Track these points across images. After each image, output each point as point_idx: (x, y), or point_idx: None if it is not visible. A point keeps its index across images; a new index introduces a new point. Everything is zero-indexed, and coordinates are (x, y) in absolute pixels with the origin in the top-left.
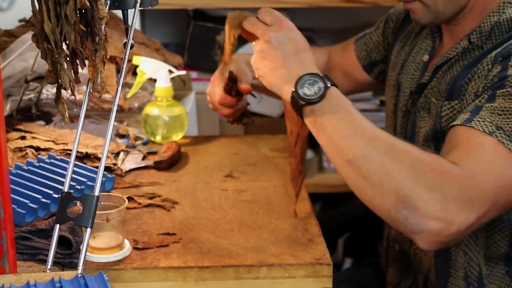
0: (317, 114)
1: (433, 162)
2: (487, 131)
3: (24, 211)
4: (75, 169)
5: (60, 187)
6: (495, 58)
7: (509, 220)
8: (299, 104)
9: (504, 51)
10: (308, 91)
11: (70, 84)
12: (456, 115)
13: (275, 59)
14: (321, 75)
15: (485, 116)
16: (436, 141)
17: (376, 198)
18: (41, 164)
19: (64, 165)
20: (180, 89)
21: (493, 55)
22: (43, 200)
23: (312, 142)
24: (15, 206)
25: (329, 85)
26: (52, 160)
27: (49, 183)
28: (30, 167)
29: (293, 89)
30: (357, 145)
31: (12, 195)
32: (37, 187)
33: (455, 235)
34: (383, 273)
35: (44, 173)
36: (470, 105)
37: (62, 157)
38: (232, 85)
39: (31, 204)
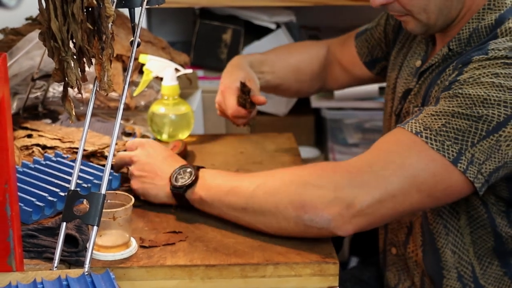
0: (199, 192)
1: (316, 165)
2: (414, 131)
3: (31, 209)
4: (81, 167)
5: (66, 185)
6: (456, 64)
7: (489, 214)
8: (181, 193)
9: (465, 58)
10: (182, 180)
11: (76, 82)
12: None
13: (149, 170)
14: (187, 164)
15: (421, 118)
16: None
17: (281, 221)
18: (47, 162)
19: (71, 163)
20: (186, 88)
21: (455, 63)
22: (50, 198)
23: (317, 141)
24: (22, 204)
25: (195, 168)
26: (59, 159)
27: (56, 181)
28: (36, 165)
29: (170, 188)
30: (241, 192)
31: (19, 193)
32: (43, 185)
33: (360, 215)
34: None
35: (51, 171)
36: (422, 109)
37: (69, 156)
38: (246, 98)
39: (37, 202)
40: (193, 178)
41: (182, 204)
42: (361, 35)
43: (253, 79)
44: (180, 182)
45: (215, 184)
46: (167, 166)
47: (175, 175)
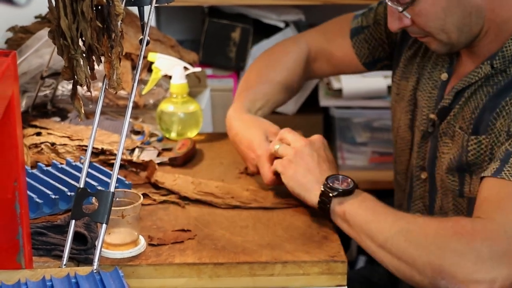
0: (346, 205)
1: (454, 225)
2: None
3: (42, 201)
4: (90, 170)
5: (76, 184)
6: None
7: None
8: (329, 196)
9: None
10: (337, 186)
11: (86, 81)
12: (484, 150)
13: (309, 161)
14: (346, 176)
15: None
16: (460, 172)
17: (415, 275)
18: (56, 168)
19: (80, 166)
20: (195, 86)
21: None
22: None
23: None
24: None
25: (355, 183)
26: (66, 167)
27: (69, 180)
28: (47, 169)
29: (323, 184)
30: (383, 228)
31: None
32: (55, 183)
33: None
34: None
35: (60, 175)
36: (500, 149)
37: (77, 164)
38: None
39: (37, 199)
40: (350, 189)
41: (321, 210)
42: (358, 34)
43: (272, 129)
44: (336, 186)
45: (362, 208)
46: (327, 168)
47: (333, 178)
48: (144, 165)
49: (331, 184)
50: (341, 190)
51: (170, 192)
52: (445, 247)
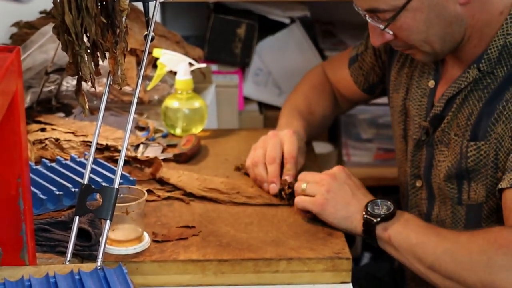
0: (390, 231)
1: (497, 238)
2: None
3: (45, 197)
4: (95, 166)
5: (80, 180)
6: None
7: None
8: (372, 223)
9: None
10: (378, 211)
11: (90, 76)
12: (484, 156)
13: (344, 194)
14: (384, 200)
15: None
16: (459, 179)
17: None
18: (60, 164)
19: (85, 162)
20: (200, 82)
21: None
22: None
23: (331, 136)
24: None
25: (394, 205)
26: (70, 163)
27: (73, 176)
28: (51, 165)
29: (365, 211)
30: (428, 251)
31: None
32: (59, 180)
33: None
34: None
35: (64, 171)
36: (510, 157)
37: (86, 153)
38: (288, 194)
39: (41, 196)
40: (391, 212)
41: (368, 237)
42: (354, 62)
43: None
44: (376, 212)
45: (406, 231)
46: (362, 195)
47: (372, 204)
48: (150, 162)
49: (371, 211)
50: (383, 216)
51: (175, 188)
52: (492, 264)
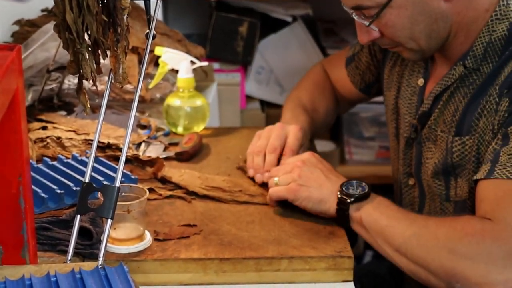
0: (361, 211)
1: (464, 226)
2: (511, 177)
3: (46, 196)
4: (95, 165)
5: (81, 178)
6: (500, 90)
7: None
8: (346, 202)
9: (508, 81)
10: (353, 191)
11: (91, 75)
12: (469, 151)
13: (317, 177)
14: (360, 181)
15: (505, 161)
16: (446, 175)
17: (431, 279)
18: (62, 163)
19: (86, 160)
20: (202, 80)
21: (498, 87)
22: (59, 191)
23: (333, 134)
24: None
25: (369, 186)
26: (71, 161)
27: (74, 175)
28: (53, 163)
29: (340, 191)
30: (397, 233)
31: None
32: (60, 178)
33: None
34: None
35: (65, 169)
36: (488, 149)
37: (83, 158)
38: None
39: (43, 194)
40: (365, 193)
41: (340, 217)
42: (351, 62)
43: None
44: (351, 192)
45: (377, 213)
46: (335, 177)
47: (347, 185)
48: (152, 162)
49: (346, 191)
50: (357, 196)
51: (176, 187)
52: (456, 251)
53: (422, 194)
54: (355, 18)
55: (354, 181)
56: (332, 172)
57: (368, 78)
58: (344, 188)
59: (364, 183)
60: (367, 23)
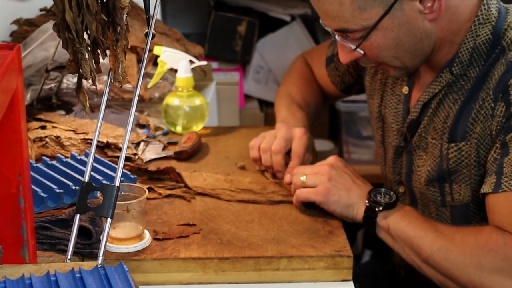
0: (389, 220)
1: (488, 241)
2: None
3: (46, 195)
4: (95, 164)
5: (80, 178)
6: (494, 95)
7: None
8: (374, 211)
9: (502, 85)
10: (381, 199)
11: (91, 74)
12: (465, 156)
13: (345, 181)
14: (387, 189)
15: (509, 172)
16: (440, 181)
17: None
18: (61, 162)
19: (85, 160)
20: (200, 80)
21: (491, 92)
22: (58, 191)
23: (332, 133)
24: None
25: (396, 195)
26: (70, 160)
27: (74, 174)
28: (52, 163)
29: (368, 198)
30: (425, 245)
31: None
32: (59, 177)
33: None
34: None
35: (65, 169)
36: (489, 159)
37: (82, 157)
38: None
39: (42, 194)
40: (393, 202)
41: (367, 224)
42: (330, 63)
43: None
44: (379, 200)
45: (404, 222)
46: (362, 182)
47: (375, 192)
48: (165, 171)
49: (374, 198)
50: (385, 204)
51: (176, 186)
52: (482, 267)
53: (414, 202)
54: (338, 39)
55: (382, 189)
56: (359, 178)
57: (348, 79)
58: (372, 195)
59: (391, 192)
60: (352, 46)
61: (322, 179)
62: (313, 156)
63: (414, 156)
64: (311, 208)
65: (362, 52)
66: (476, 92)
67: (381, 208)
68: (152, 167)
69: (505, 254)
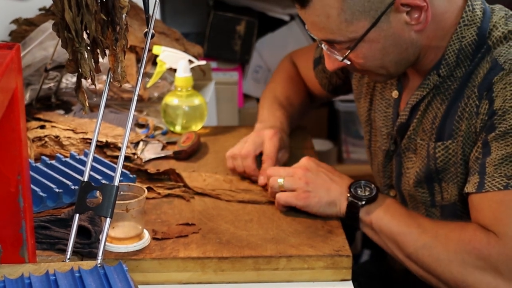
0: (372, 216)
1: (471, 239)
2: (502, 187)
3: (45, 194)
4: (94, 164)
5: (80, 177)
6: (479, 92)
7: None
8: (357, 206)
9: (486, 83)
10: (362, 193)
11: (90, 74)
12: (452, 155)
13: (323, 181)
14: (366, 181)
15: (492, 172)
16: (429, 182)
17: (441, 286)
18: (60, 162)
19: (84, 159)
20: (199, 79)
21: (476, 89)
22: (57, 190)
23: (330, 133)
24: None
25: (376, 188)
26: (70, 160)
27: (73, 174)
28: (51, 162)
29: (349, 193)
30: (409, 242)
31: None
32: (58, 177)
33: None
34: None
35: (64, 168)
36: (472, 158)
37: (81, 157)
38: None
39: (41, 193)
40: (374, 195)
41: (350, 219)
42: (318, 65)
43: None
44: (360, 194)
45: (387, 217)
46: (339, 178)
47: (355, 186)
48: (165, 173)
49: (354, 193)
50: (366, 199)
51: (176, 185)
52: (466, 264)
53: (404, 204)
54: (324, 48)
55: (362, 182)
56: (335, 173)
57: (335, 81)
58: (352, 190)
59: (372, 184)
60: (339, 57)
61: (300, 183)
62: (288, 154)
63: (403, 158)
64: (292, 209)
65: (348, 62)
66: (462, 90)
67: (363, 203)
68: (151, 167)
69: (488, 253)
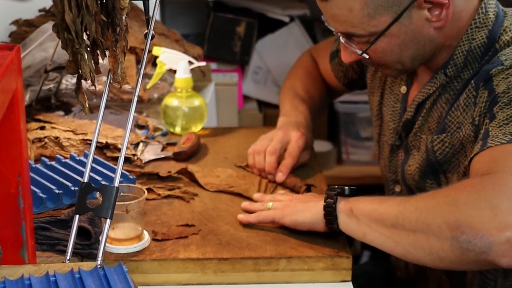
0: (351, 202)
1: (462, 183)
2: (505, 141)
3: (45, 196)
4: (94, 165)
5: (80, 178)
6: (476, 84)
7: None
8: (333, 197)
9: (483, 74)
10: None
11: (90, 75)
12: (448, 147)
13: (304, 199)
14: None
15: (496, 133)
16: (434, 174)
17: (433, 243)
18: (60, 163)
19: (84, 160)
20: (199, 80)
21: (473, 82)
22: (57, 191)
23: (330, 134)
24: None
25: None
26: (69, 161)
27: (73, 175)
28: (51, 163)
29: (325, 197)
30: (391, 208)
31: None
32: (58, 178)
33: None
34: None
35: (64, 169)
36: (480, 134)
37: (81, 158)
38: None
39: (41, 194)
40: (351, 190)
41: (330, 218)
42: (334, 58)
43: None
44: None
45: (367, 200)
46: (314, 197)
47: (329, 191)
48: (179, 173)
49: (328, 191)
50: (340, 189)
51: (176, 186)
52: (457, 203)
53: None
54: (342, 41)
55: (335, 186)
56: (309, 195)
57: (351, 75)
58: (327, 192)
59: (346, 187)
60: (358, 51)
61: (284, 199)
62: (308, 156)
63: (408, 154)
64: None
65: (367, 56)
66: (462, 90)
67: (338, 191)
68: (151, 168)
69: (482, 186)
